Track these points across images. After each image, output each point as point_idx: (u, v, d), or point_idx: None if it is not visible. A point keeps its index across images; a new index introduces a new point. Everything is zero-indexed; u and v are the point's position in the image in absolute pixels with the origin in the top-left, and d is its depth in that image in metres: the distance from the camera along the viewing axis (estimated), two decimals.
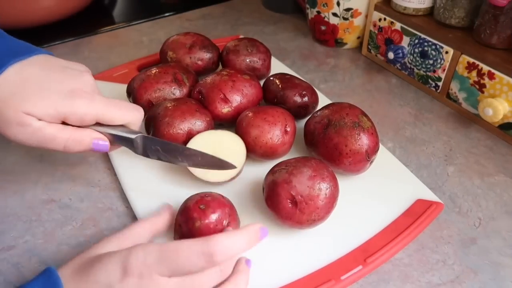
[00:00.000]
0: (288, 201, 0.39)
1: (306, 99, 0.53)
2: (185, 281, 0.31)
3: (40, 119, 0.36)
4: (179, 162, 0.42)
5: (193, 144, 0.46)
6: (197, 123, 0.47)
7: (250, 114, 0.48)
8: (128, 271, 0.30)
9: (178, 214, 0.40)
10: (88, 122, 0.38)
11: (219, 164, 0.42)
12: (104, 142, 0.39)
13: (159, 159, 0.42)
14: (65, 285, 0.31)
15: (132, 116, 0.41)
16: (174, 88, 0.52)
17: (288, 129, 0.47)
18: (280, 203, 0.39)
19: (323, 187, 0.39)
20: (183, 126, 0.47)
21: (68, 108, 0.37)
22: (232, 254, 0.31)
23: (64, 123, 0.38)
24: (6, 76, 0.36)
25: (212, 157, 0.42)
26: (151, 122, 0.48)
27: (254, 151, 0.47)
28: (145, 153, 0.41)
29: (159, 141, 0.41)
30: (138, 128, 0.42)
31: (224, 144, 0.46)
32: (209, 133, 0.47)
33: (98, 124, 0.39)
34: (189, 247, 0.30)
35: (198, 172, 0.44)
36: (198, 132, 0.47)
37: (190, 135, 0.47)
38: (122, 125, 0.41)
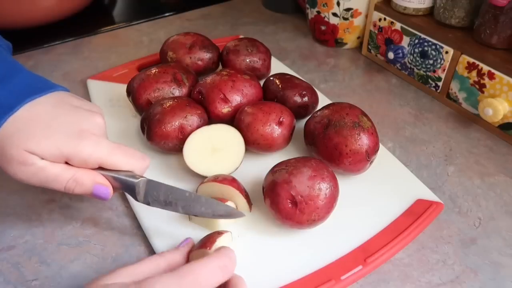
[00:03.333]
0: (288, 201, 0.39)
1: (306, 99, 0.53)
2: None
3: (43, 158, 0.35)
4: (182, 210, 0.39)
5: (191, 143, 0.46)
6: (188, 117, 0.48)
7: (248, 105, 0.49)
8: None
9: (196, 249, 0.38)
10: (91, 166, 0.37)
11: (227, 213, 0.39)
12: (105, 188, 0.38)
13: (160, 207, 0.39)
14: None
15: (136, 164, 0.39)
16: (174, 88, 0.52)
17: (283, 120, 0.47)
18: (280, 203, 0.39)
19: (323, 187, 0.39)
20: (174, 122, 0.47)
21: (72, 149, 0.36)
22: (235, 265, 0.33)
23: (67, 163, 0.37)
24: (17, 114, 0.35)
25: (218, 204, 0.39)
26: (145, 122, 0.48)
27: (246, 139, 0.47)
28: (146, 200, 0.39)
29: (163, 185, 0.39)
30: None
31: (221, 138, 0.47)
32: (205, 129, 0.47)
33: (101, 168, 0.38)
34: (206, 266, 0.31)
35: (196, 167, 0.45)
36: (191, 127, 0.47)
37: (183, 131, 0.47)
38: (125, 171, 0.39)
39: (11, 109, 0.35)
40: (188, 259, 0.37)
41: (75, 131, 0.36)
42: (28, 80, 0.38)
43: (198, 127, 0.48)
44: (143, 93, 0.52)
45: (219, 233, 0.39)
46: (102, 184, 0.38)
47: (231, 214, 0.39)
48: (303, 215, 0.39)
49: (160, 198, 0.39)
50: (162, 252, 0.35)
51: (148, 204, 0.39)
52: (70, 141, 0.36)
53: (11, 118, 0.35)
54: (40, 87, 0.38)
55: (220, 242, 0.38)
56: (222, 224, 0.41)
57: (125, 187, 0.38)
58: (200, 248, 0.37)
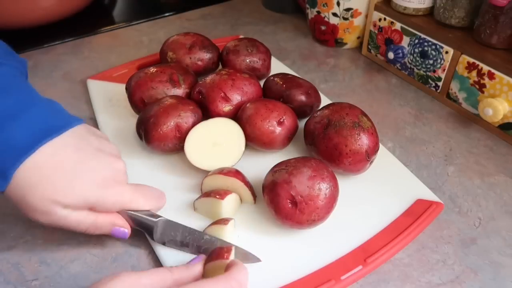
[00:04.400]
0: (288, 201, 0.39)
1: (311, 98, 0.53)
2: None
3: (65, 207, 0.35)
4: (198, 252, 0.39)
5: (191, 140, 0.47)
6: (182, 114, 0.48)
7: (252, 101, 0.49)
8: None
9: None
10: (114, 211, 0.39)
11: (242, 256, 0.39)
12: (124, 231, 0.39)
13: (176, 247, 0.40)
14: None
15: (155, 204, 0.41)
16: (168, 88, 0.52)
17: (283, 120, 0.47)
18: (280, 203, 0.39)
19: (323, 187, 0.39)
20: (169, 122, 0.47)
21: (97, 200, 0.37)
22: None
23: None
24: (37, 158, 0.34)
25: (236, 248, 0.39)
26: (141, 128, 0.48)
27: (245, 132, 0.48)
28: (162, 239, 0.40)
29: (180, 226, 0.40)
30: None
31: (221, 131, 0.47)
32: (204, 124, 0.48)
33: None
34: (216, 284, 0.31)
35: (199, 163, 0.46)
36: (187, 124, 0.48)
37: (179, 129, 0.47)
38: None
39: (27, 151, 0.33)
40: (204, 272, 0.36)
41: (99, 180, 0.37)
42: (44, 114, 0.36)
43: (194, 123, 0.48)
44: (137, 90, 0.52)
45: (225, 222, 0.39)
46: (120, 226, 0.39)
47: (247, 258, 0.39)
48: (303, 215, 0.39)
49: (176, 238, 0.40)
50: (171, 267, 0.35)
51: (164, 244, 0.40)
52: (95, 191, 0.36)
53: (30, 162, 0.33)
54: (57, 124, 0.36)
55: (226, 231, 0.39)
56: (225, 216, 0.42)
57: (143, 226, 0.40)
58: (217, 259, 0.36)
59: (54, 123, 0.36)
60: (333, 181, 0.40)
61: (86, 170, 0.36)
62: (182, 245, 0.40)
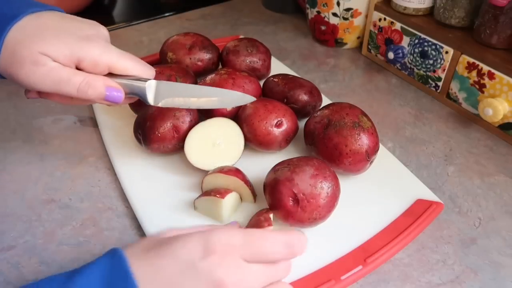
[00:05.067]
0: (290, 199, 0.39)
1: (314, 97, 0.53)
2: (269, 268, 0.31)
3: (55, 60, 0.36)
4: (194, 105, 0.42)
5: (191, 141, 0.47)
6: (177, 114, 0.48)
7: (256, 100, 0.49)
8: (211, 249, 0.29)
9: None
10: (101, 69, 0.38)
11: (238, 99, 0.42)
12: (117, 91, 0.39)
13: (172, 106, 0.41)
14: (133, 264, 0.29)
15: (144, 69, 0.41)
16: None
17: (281, 122, 0.47)
18: (282, 201, 0.39)
19: (325, 186, 0.39)
20: (165, 124, 0.47)
21: (84, 51, 0.37)
22: (304, 250, 0.32)
23: (77, 69, 0.38)
24: (23, 23, 0.36)
25: (228, 92, 0.42)
26: (138, 132, 0.48)
27: (243, 131, 0.48)
28: (157, 101, 0.41)
29: (174, 84, 0.41)
30: None
31: (220, 131, 0.48)
32: (203, 125, 0.48)
33: (111, 74, 0.39)
34: (274, 237, 0.31)
35: (200, 163, 0.46)
36: (184, 123, 0.48)
37: (177, 129, 0.47)
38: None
39: (14, 18, 0.36)
40: None
41: (83, 35, 0.38)
42: (30, 1, 0.39)
43: (191, 121, 0.48)
44: None
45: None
46: (114, 87, 0.39)
47: (242, 99, 0.42)
48: (305, 213, 0.39)
49: (170, 97, 0.41)
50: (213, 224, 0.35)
51: (157, 104, 0.41)
52: (81, 42, 0.37)
53: (18, 27, 0.36)
54: (41, 5, 0.39)
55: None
56: (225, 215, 0.42)
57: (136, 91, 0.40)
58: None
59: (40, 4, 0.39)
60: (335, 180, 0.40)
61: (71, 27, 0.38)
62: (178, 94, 0.41)
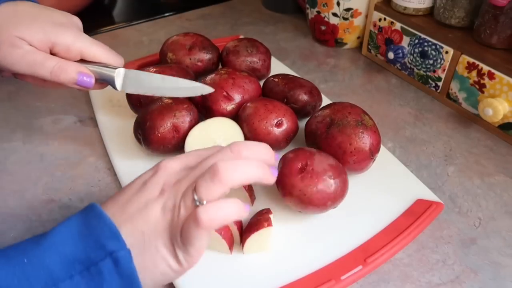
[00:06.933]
0: (300, 164, 0.40)
1: (314, 97, 0.53)
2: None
3: (30, 44, 0.39)
4: (158, 93, 0.45)
5: (191, 142, 0.47)
6: (177, 114, 0.47)
7: (256, 100, 0.50)
8: (159, 167, 0.33)
9: None
10: (73, 54, 0.41)
11: (195, 89, 0.46)
12: (88, 77, 0.42)
13: (137, 92, 0.44)
14: (106, 208, 0.31)
15: (114, 57, 0.43)
16: None
17: (281, 122, 0.47)
18: (293, 165, 0.40)
19: (333, 182, 0.40)
20: (165, 124, 0.47)
21: (58, 37, 0.40)
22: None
23: (51, 54, 0.41)
24: (1, 8, 0.39)
25: (190, 82, 0.45)
26: (138, 132, 0.48)
27: (243, 131, 0.48)
28: (124, 87, 0.44)
29: (140, 72, 0.44)
30: None
31: (220, 130, 0.48)
32: (203, 125, 0.48)
33: (82, 61, 0.42)
34: (219, 151, 0.33)
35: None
36: (184, 123, 0.48)
37: (177, 129, 0.47)
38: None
39: None
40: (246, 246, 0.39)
41: (58, 22, 0.41)
42: None
43: (191, 121, 0.48)
44: None
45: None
46: (85, 72, 0.42)
47: (200, 89, 0.46)
48: (304, 181, 0.40)
49: (136, 84, 0.44)
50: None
51: (126, 90, 0.44)
52: (55, 28, 0.40)
53: None
54: None
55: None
56: None
57: (105, 77, 0.43)
58: (258, 230, 0.38)
59: None
60: (343, 183, 0.41)
61: (46, 15, 0.41)
62: (143, 90, 0.44)
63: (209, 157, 0.33)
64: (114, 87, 0.43)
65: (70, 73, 0.41)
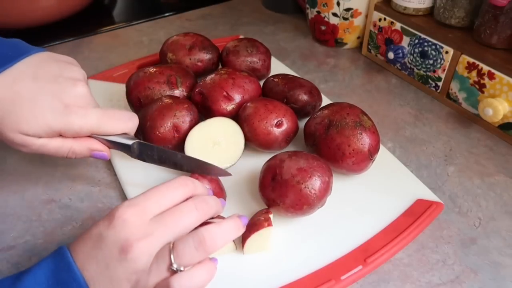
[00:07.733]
0: (271, 174, 0.41)
1: (314, 97, 0.53)
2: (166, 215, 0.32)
3: (40, 137, 0.37)
4: (175, 168, 0.43)
5: (191, 142, 0.47)
6: (178, 114, 0.47)
7: (254, 101, 0.50)
8: (113, 216, 0.31)
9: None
10: (83, 135, 0.39)
11: (214, 171, 0.43)
12: (103, 153, 0.41)
13: (154, 163, 0.43)
14: (75, 253, 0.30)
15: (125, 127, 0.41)
16: (164, 90, 0.52)
17: (281, 122, 0.47)
18: (266, 177, 0.41)
19: (302, 187, 0.39)
20: (166, 124, 0.47)
21: (63, 125, 0.37)
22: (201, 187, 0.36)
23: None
24: None
25: (205, 163, 0.43)
26: (138, 132, 0.48)
27: (243, 130, 0.48)
28: (141, 158, 0.42)
29: (155, 147, 0.42)
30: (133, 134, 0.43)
31: (220, 130, 0.48)
32: (203, 125, 0.48)
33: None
34: (171, 183, 0.35)
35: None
36: (184, 123, 0.48)
37: (177, 129, 0.47)
38: None
39: None
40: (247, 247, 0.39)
41: (60, 107, 0.37)
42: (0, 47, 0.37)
43: (191, 121, 0.48)
44: (134, 90, 0.52)
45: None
46: (98, 150, 0.41)
47: (217, 172, 0.43)
48: (275, 192, 0.40)
49: (154, 157, 0.43)
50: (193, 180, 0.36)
51: (144, 160, 0.43)
52: (58, 118, 0.37)
53: None
54: (10, 55, 0.37)
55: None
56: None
57: (121, 148, 0.41)
58: (258, 230, 0.38)
59: (8, 53, 0.37)
60: (324, 184, 0.40)
61: (45, 99, 0.37)
62: (160, 162, 0.43)
63: (176, 210, 0.32)
64: (130, 156, 0.42)
65: (84, 153, 0.40)
